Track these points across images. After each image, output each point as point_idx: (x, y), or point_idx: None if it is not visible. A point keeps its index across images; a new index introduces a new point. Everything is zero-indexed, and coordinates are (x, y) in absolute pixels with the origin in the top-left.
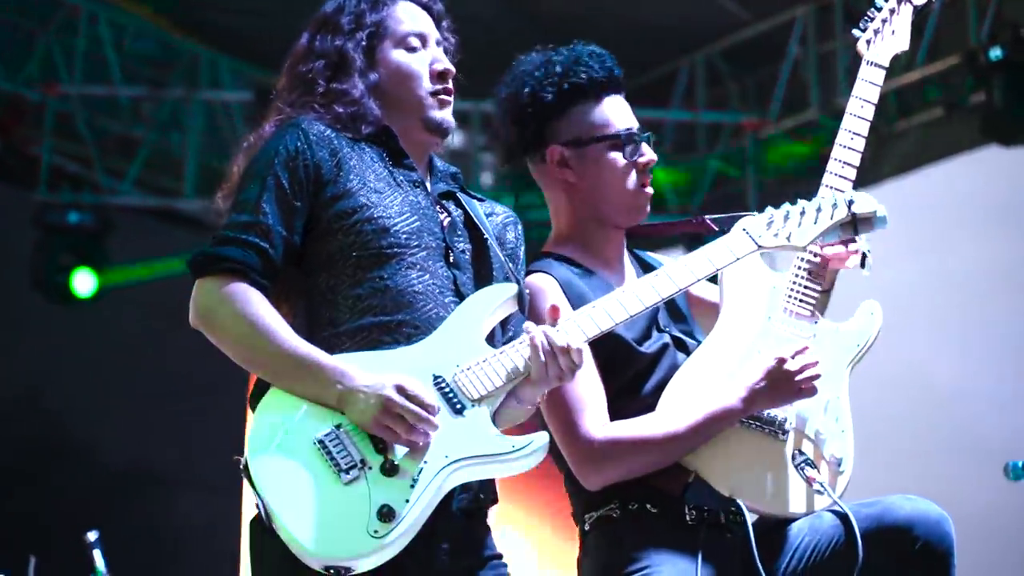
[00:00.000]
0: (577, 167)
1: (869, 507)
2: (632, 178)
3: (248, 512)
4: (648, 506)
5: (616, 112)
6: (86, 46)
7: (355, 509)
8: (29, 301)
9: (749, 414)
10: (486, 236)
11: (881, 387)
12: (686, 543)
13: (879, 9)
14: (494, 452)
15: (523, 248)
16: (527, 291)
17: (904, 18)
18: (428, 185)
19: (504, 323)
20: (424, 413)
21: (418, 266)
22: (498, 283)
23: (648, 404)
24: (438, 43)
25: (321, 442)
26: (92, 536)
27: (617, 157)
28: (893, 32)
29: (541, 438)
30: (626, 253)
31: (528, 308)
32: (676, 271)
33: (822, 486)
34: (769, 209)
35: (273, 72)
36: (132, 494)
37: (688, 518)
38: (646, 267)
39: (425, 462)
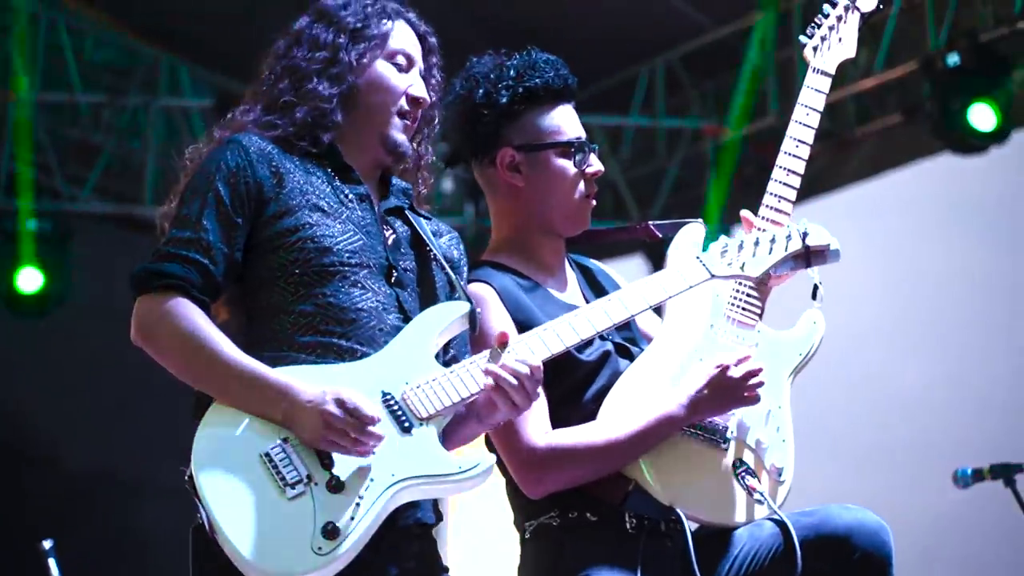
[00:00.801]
0: (527, 172)
1: (808, 516)
2: (580, 187)
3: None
4: (588, 514)
5: (567, 120)
6: (45, 52)
7: (299, 525)
8: None
9: (691, 421)
10: (433, 253)
11: (842, 392)
12: (626, 552)
13: (826, 16)
14: (441, 472)
15: (467, 267)
16: (478, 310)
17: (851, 26)
18: (374, 201)
19: (448, 342)
20: (366, 425)
21: (360, 284)
22: (443, 302)
23: (590, 411)
24: (421, 72)
25: (267, 455)
26: (47, 544)
27: (567, 165)
28: (840, 40)
29: (487, 460)
30: (566, 259)
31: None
32: (629, 297)
33: (762, 495)
34: (723, 238)
35: (233, 78)
36: (95, 501)
37: (628, 526)
38: (585, 271)
39: (372, 480)
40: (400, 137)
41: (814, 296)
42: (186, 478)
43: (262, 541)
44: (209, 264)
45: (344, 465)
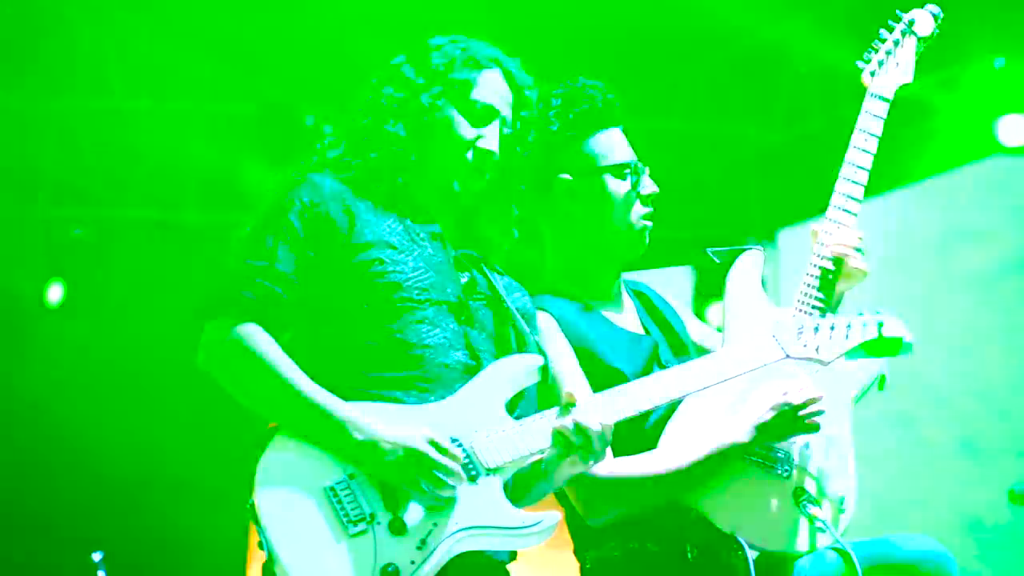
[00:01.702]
0: (583, 198)
1: (872, 545)
2: (636, 209)
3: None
4: (648, 544)
5: (618, 144)
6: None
7: (359, 563)
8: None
9: (752, 448)
10: (507, 304)
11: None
12: None
13: (883, 41)
14: (504, 525)
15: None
16: (551, 365)
17: (908, 50)
18: (447, 241)
19: (518, 394)
20: (456, 469)
21: (428, 320)
22: (515, 353)
23: (650, 440)
24: (505, 122)
25: (333, 489)
26: (97, 557)
27: (622, 188)
28: (897, 64)
29: (551, 517)
30: (622, 285)
31: None
32: (703, 370)
33: (824, 524)
34: (800, 318)
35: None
36: (138, 506)
37: (689, 556)
38: (641, 297)
39: (435, 525)
40: (463, 185)
41: (880, 387)
42: (247, 506)
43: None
44: (281, 292)
45: (408, 508)
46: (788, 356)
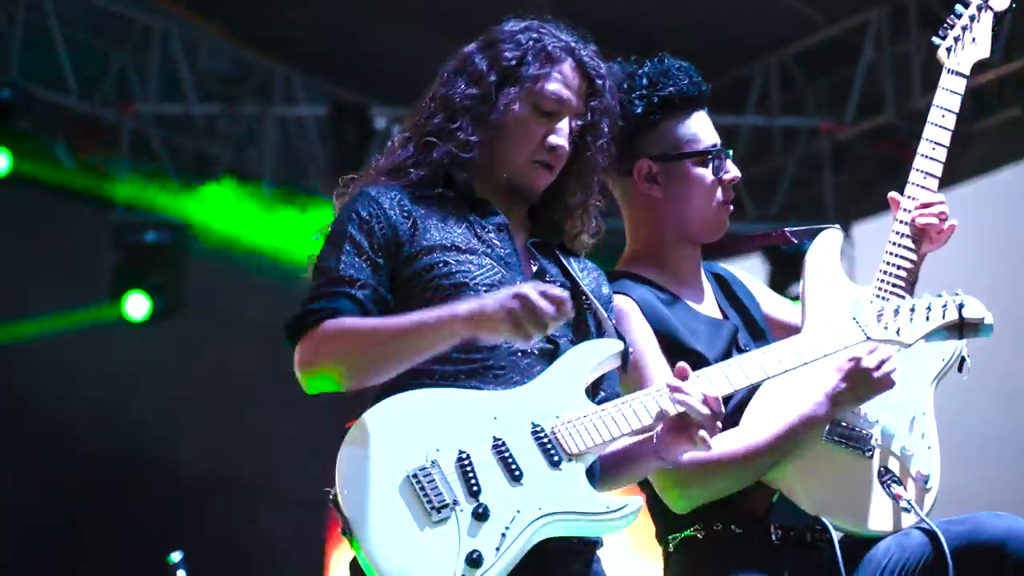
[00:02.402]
0: (664, 182)
1: (958, 524)
2: (718, 194)
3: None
4: (733, 527)
5: (703, 128)
6: (160, 64)
7: (444, 550)
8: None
9: (832, 418)
10: (581, 289)
11: (964, 386)
12: (772, 564)
13: (959, 16)
14: (588, 511)
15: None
16: (631, 350)
17: (985, 25)
18: (517, 233)
19: (598, 380)
20: (556, 313)
21: None
22: (596, 337)
23: (731, 423)
24: (578, 115)
25: (415, 476)
26: (176, 557)
27: (705, 173)
28: (974, 40)
29: (636, 502)
30: (701, 269)
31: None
32: (783, 353)
33: (909, 503)
34: (878, 301)
35: (348, 87)
36: (215, 507)
37: (774, 538)
38: (720, 281)
39: (518, 511)
40: (527, 182)
41: (960, 369)
42: (331, 496)
43: (406, 564)
44: (356, 292)
45: (492, 493)
46: (869, 339)
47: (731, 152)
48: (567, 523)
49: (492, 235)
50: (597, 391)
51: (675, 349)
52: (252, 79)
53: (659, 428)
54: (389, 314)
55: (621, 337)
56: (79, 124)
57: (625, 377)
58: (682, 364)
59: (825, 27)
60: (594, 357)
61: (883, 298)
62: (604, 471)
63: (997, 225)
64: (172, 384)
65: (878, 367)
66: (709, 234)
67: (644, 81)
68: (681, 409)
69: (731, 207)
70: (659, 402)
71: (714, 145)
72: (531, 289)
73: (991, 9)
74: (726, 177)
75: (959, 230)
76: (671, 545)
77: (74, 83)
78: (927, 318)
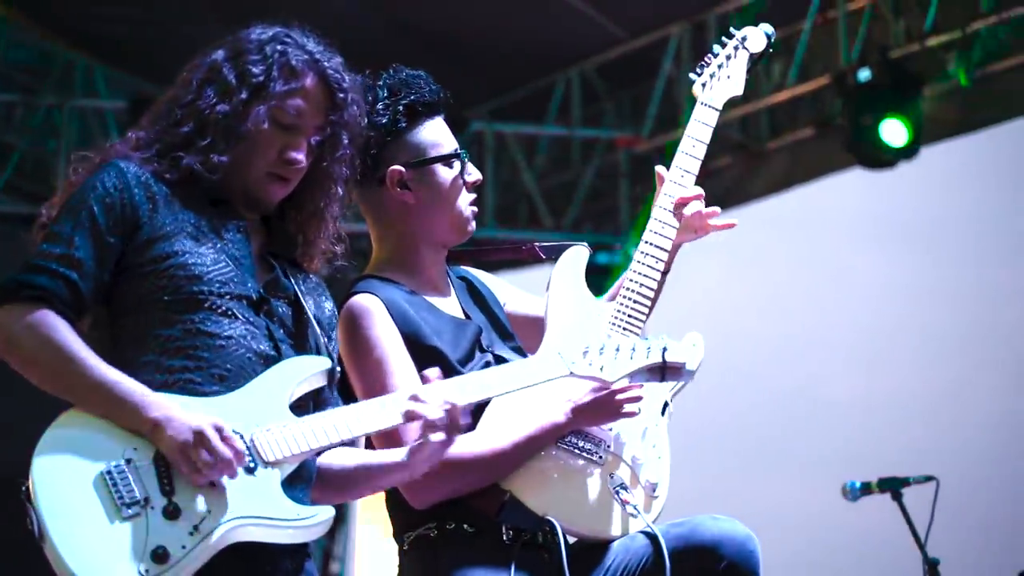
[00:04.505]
0: (415, 187)
1: (678, 527)
2: (464, 196)
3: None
4: (465, 526)
5: (444, 132)
6: None
7: (131, 546)
8: None
9: (571, 429)
10: (304, 306)
11: (767, 401)
12: (502, 562)
13: (715, 56)
14: (278, 517)
15: (337, 326)
16: (337, 369)
17: (740, 64)
18: (255, 237)
19: (316, 398)
20: (231, 459)
21: (230, 313)
22: (312, 353)
23: (470, 424)
24: (318, 129)
25: (109, 473)
26: None
27: (451, 176)
28: (729, 77)
29: (326, 512)
30: (447, 272)
31: (350, 329)
32: (492, 380)
33: (635, 509)
34: (587, 338)
35: (149, 81)
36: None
37: (505, 538)
38: (466, 283)
39: (208, 512)
40: (263, 195)
41: (662, 413)
42: (23, 489)
43: (91, 558)
44: (78, 280)
45: (183, 494)
46: (572, 374)
47: (467, 153)
48: (260, 527)
49: (229, 234)
50: (314, 403)
51: (419, 349)
52: (53, 70)
53: (412, 442)
54: (112, 297)
55: (332, 359)
56: None
57: (370, 372)
58: (432, 368)
59: (628, 41)
60: (299, 372)
61: (621, 315)
62: (343, 480)
63: (788, 243)
64: None
65: (623, 391)
66: (460, 235)
67: (385, 92)
68: (402, 422)
69: (476, 208)
70: (376, 418)
71: (457, 149)
72: (214, 432)
73: (747, 50)
74: (470, 179)
75: (752, 247)
76: (406, 543)
77: None
78: (631, 358)
